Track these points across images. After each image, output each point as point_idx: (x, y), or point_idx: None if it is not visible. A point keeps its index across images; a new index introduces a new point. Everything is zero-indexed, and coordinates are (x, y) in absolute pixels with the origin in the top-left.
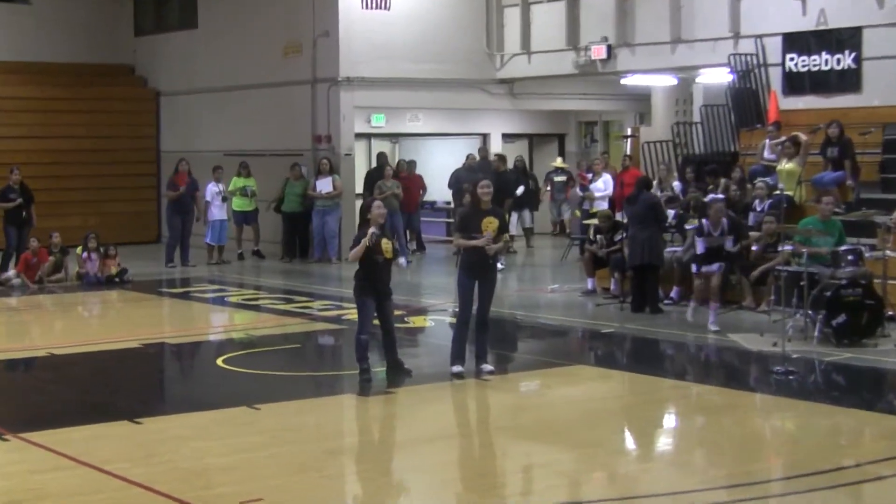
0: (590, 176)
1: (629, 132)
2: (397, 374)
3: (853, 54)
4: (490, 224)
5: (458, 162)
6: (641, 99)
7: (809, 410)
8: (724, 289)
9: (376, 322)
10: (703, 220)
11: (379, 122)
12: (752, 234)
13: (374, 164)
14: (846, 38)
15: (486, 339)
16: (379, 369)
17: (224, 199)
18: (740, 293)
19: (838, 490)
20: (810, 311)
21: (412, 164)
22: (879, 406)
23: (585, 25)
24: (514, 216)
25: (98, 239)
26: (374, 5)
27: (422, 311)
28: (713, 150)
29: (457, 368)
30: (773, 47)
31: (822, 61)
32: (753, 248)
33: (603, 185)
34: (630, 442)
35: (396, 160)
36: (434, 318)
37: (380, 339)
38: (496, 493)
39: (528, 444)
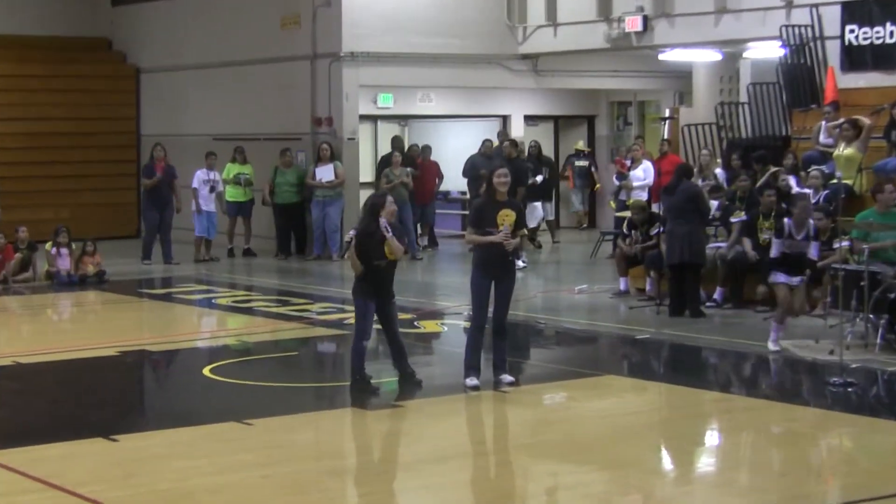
0: (628, 163)
1: (667, 114)
2: (405, 386)
3: None
4: (507, 217)
5: (473, 147)
6: (681, 76)
7: (871, 427)
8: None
9: (377, 326)
10: (787, 220)
11: (386, 103)
12: None
13: (389, 150)
14: None
15: (505, 346)
16: (387, 380)
17: (212, 190)
18: None
19: None
20: (871, 316)
21: (427, 149)
22: None
23: None
24: (536, 207)
25: (70, 233)
26: None
27: (434, 315)
28: (762, 134)
29: (471, 381)
30: (831, 18)
31: (887, 33)
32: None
33: (643, 174)
34: (667, 461)
35: (408, 145)
36: (448, 323)
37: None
38: None
39: (552, 464)
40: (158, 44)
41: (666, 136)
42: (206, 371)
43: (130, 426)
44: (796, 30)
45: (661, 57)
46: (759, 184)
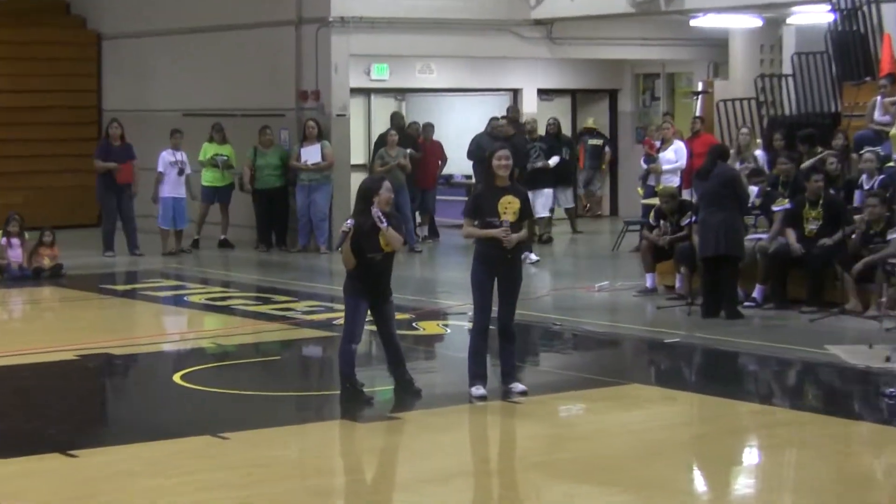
0: (658, 144)
1: (700, 88)
2: (403, 395)
3: None
4: (509, 205)
5: (480, 125)
6: (716, 45)
7: None
8: (822, 288)
9: (372, 328)
10: None
11: (381, 75)
12: (858, 217)
13: (386, 129)
14: None
15: (513, 350)
16: (382, 388)
17: (181, 172)
18: (842, 294)
19: None
20: None
21: (429, 127)
22: None
23: None
24: (548, 195)
25: (22, 221)
26: None
27: (435, 315)
28: (808, 111)
29: (478, 391)
30: None
31: None
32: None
33: (674, 156)
34: (700, 483)
35: (407, 122)
36: (451, 324)
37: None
38: None
39: (568, 485)
40: (122, 7)
41: (698, 114)
42: (176, 378)
43: (92, 440)
44: None
45: (692, 23)
46: (804, 167)
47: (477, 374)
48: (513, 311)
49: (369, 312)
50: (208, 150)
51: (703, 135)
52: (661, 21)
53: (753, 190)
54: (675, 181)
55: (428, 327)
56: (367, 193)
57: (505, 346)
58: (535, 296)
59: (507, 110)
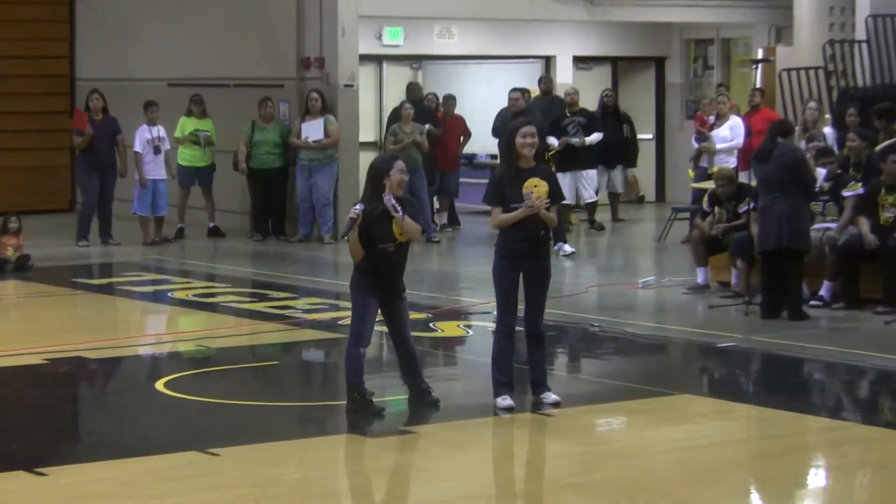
0: (711, 119)
1: (760, 55)
2: (418, 406)
3: None
4: (535, 189)
5: (506, 98)
6: (778, 7)
7: None
8: None
9: (383, 328)
10: None
11: (394, 40)
12: None
13: (402, 100)
14: None
15: (543, 355)
16: (394, 398)
17: (157, 151)
18: None
19: None
20: None
21: (450, 100)
22: None
23: None
24: (592, 176)
25: None
26: None
27: (455, 314)
28: (885, 82)
29: (504, 401)
30: None
31: None
32: None
33: (730, 133)
34: None
35: (425, 94)
36: (473, 325)
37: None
38: None
39: None
40: None
41: (758, 85)
42: (159, 385)
43: (62, 457)
44: None
45: None
46: (880, 147)
47: (502, 382)
48: (541, 310)
49: (380, 312)
50: (187, 125)
51: (762, 109)
52: None
53: (821, 172)
54: (730, 162)
55: (447, 328)
56: (376, 175)
57: (534, 350)
58: (569, 293)
59: (539, 80)
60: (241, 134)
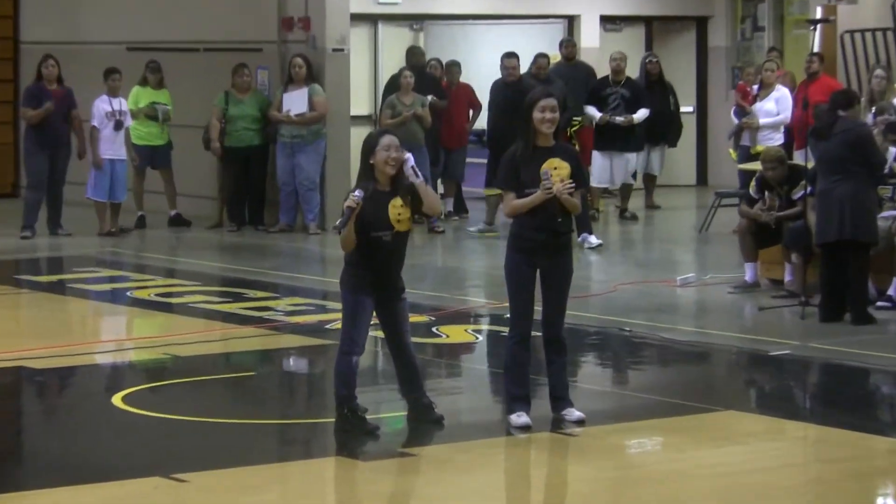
0: (755, 90)
1: (819, 15)
2: (419, 424)
3: None
4: (555, 172)
5: (523, 65)
6: None
7: None
8: None
9: (377, 334)
10: None
11: None
12: None
13: (401, 67)
14: None
15: (565, 365)
16: (391, 415)
17: (118, 127)
18: None
19: None
20: None
21: (455, 67)
22: None
23: None
24: (630, 159)
25: None
26: None
27: (462, 318)
28: None
29: (519, 419)
30: None
31: None
32: None
33: (775, 106)
34: None
35: (428, 60)
36: (482, 329)
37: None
38: None
39: None
40: None
41: (816, 49)
42: (116, 400)
43: (4, 482)
44: None
45: None
46: None
47: (517, 396)
48: (562, 313)
49: (375, 314)
50: (141, 95)
51: (821, 78)
52: None
53: (891, 151)
54: (776, 139)
55: (452, 334)
56: (365, 151)
57: (554, 359)
58: (595, 292)
59: (561, 44)
60: (213, 107)
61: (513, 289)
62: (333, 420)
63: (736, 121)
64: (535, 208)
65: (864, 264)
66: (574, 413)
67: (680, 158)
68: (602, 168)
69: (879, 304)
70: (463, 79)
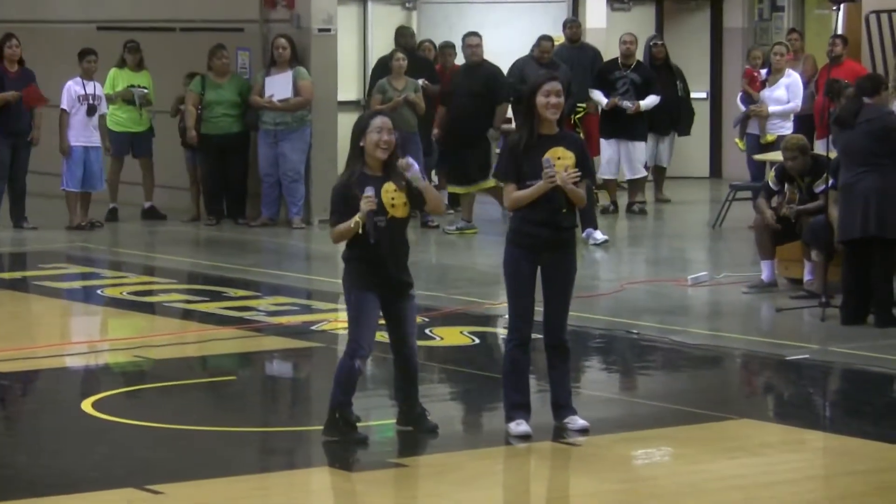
0: (763, 74)
1: None
2: (412, 433)
3: None
4: (559, 162)
5: (523, 46)
6: None
7: None
8: None
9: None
10: None
11: None
12: None
13: (392, 49)
14: None
15: (567, 370)
16: (381, 423)
17: (92, 112)
18: None
19: None
20: None
21: (449, 48)
22: None
23: None
24: (640, 148)
25: None
26: None
27: (457, 319)
28: None
29: (519, 427)
30: None
31: None
32: None
33: (785, 93)
34: None
35: (418, 40)
36: (479, 331)
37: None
38: None
39: None
40: None
41: (840, 32)
42: (86, 406)
43: None
44: None
45: None
46: None
47: (516, 403)
48: (565, 314)
49: (381, 312)
50: (119, 78)
51: (845, 62)
52: None
53: None
54: (785, 129)
55: (447, 336)
56: (355, 135)
57: (556, 364)
58: (601, 292)
59: (565, 25)
60: (189, 92)
61: (512, 288)
62: (321, 428)
63: (743, 108)
64: (537, 201)
65: (889, 263)
66: (577, 421)
67: (692, 148)
68: (611, 157)
69: None
70: (458, 61)
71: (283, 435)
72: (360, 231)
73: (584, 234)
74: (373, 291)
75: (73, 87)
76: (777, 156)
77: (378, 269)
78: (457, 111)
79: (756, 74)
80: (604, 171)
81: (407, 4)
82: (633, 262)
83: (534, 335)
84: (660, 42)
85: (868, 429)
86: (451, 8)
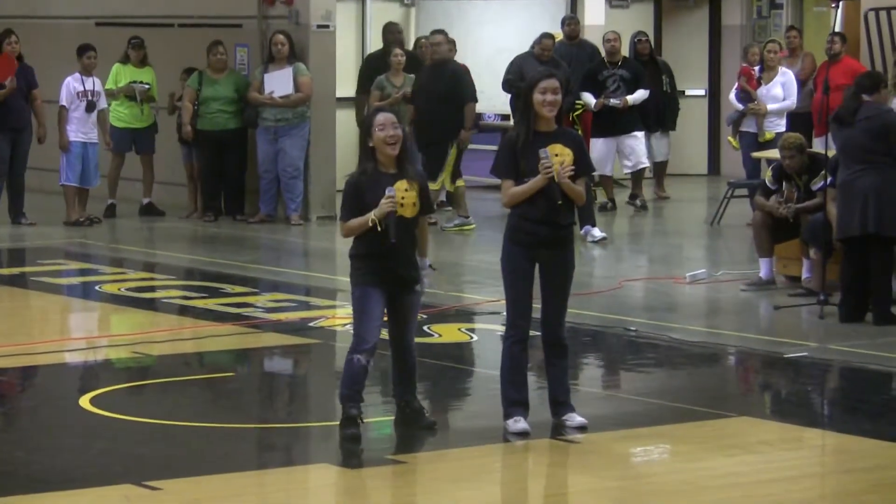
0: (757, 72)
1: None
2: (410, 429)
3: None
4: (557, 158)
5: (523, 44)
6: None
7: None
8: None
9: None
10: None
11: None
12: None
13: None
14: None
15: (565, 368)
16: (379, 419)
17: (91, 108)
18: None
19: None
20: None
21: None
22: None
23: None
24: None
25: None
26: None
27: (456, 316)
28: None
29: (517, 424)
30: None
31: None
32: None
33: (781, 91)
34: None
35: (416, 36)
36: (477, 328)
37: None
38: None
39: None
40: None
41: (838, 28)
42: (84, 402)
43: None
44: None
45: None
46: None
47: (514, 400)
48: (563, 311)
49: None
50: (121, 73)
51: (844, 59)
52: None
53: None
54: (780, 126)
55: (445, 333)
56: (363, 134)
57: (554, 361)
58: (599, 289)
59: (563, 21)
60: (186, 88)
61: (510, 285)
62: (314, 425)
63: (740, 106)
64: (535, 197)
65: (888, 260)
66: (575, 418)
67: (690, 146)
68: (604, 155)
69: None
70: (457, 58)
71: (281, 431)
72: (379, 229)
73: (582, 232)
74: (378, 287)
75: (73, 84)
76: (774, 153)
77: (385, 265)
78: (418, 112)
79: (751, 71)
80: (598, 169)
81: (405, 1)
82: (631, 260)
83: (532, 332)
84: (644, 38)
85: (866, 426)
86: (450, 5)
